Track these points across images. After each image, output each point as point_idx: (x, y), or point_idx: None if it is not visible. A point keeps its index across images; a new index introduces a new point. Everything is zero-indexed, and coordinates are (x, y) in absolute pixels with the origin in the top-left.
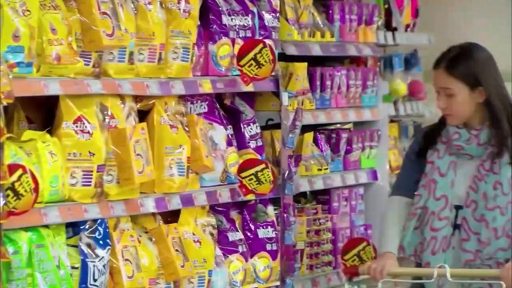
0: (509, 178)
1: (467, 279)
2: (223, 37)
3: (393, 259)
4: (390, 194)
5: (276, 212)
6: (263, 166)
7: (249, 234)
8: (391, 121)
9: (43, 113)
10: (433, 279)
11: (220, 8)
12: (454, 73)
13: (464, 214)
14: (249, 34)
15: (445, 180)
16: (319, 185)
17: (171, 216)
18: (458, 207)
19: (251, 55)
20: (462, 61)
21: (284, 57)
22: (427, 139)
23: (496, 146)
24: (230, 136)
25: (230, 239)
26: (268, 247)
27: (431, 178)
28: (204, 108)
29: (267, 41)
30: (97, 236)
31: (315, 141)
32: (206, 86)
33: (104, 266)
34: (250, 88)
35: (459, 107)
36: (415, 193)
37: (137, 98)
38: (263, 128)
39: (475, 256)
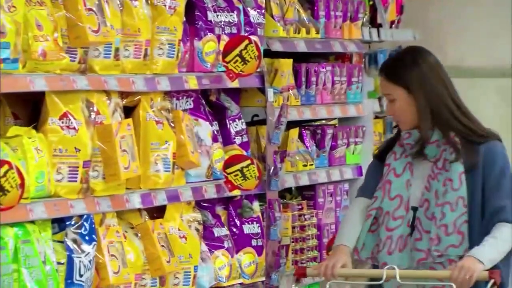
0: (460, 174)
1: (418, 280)
2: (208, 34)
3: (346, 254)
4: (356, 196)
5: (261, 207)
6: (248, 162)
7: (234, 229)
8: (376, 117)
9: (29, 109)
10: (382, 280)
11: (206, 5)
12: (391, 78)
13: (419, 214)
14: (234, 31)
15: (400, 180)
16: (304, 180)
17: (157, 212)
18: (415, 208)
19: (236, 51)
20: (397, 66)
21: (270, 54)
22: (387, 143)
23: (450, 144)
24: (215, 132)
25: (216, 235)
26: (254, 242)
27: (386, 179)
28: (190, 104)
29: (253, 38)
30: (83, 232)
31: (301, 137)
32: (191, 82)
33: (90, 261)
34: (235, 84)
35: (402, 112)
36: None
37: (122, 94)
38: (248, 124)
39: (427, 255)
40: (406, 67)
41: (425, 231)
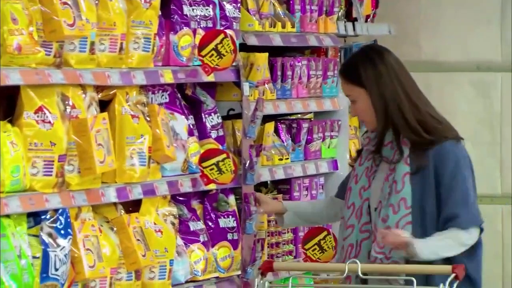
0: (403, 175)
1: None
2: (184, 28)
3: (277, 203)
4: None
5: (237, 201)
6: (224, 156)
7: (210, 223)
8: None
9: (4, 103)
10: (344, 274)
11: None
12: (349, 79)
13: (374, 216)
14: (210, 25)
15: (357, 187)
16: (280, 174)
17: (133, 206)
18: (375, 209)
19: (212, 45)
20: (354, 66)
21: (245, 48)
22: (361, 147)
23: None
24: (191, 126)
25: (192, 229)
26: (229, 236)
27: (349, 186)
28: (166, 98)
29: (228, 32)
30: (59, 226)
31: (276, 131)
32: (167, 76)
33: (65, 255)
34: (211, 78)
35: (363, 113)
36: None
37: (98, 88)
38: (224, 118)
39: (376, 258)
40: (362, 67)
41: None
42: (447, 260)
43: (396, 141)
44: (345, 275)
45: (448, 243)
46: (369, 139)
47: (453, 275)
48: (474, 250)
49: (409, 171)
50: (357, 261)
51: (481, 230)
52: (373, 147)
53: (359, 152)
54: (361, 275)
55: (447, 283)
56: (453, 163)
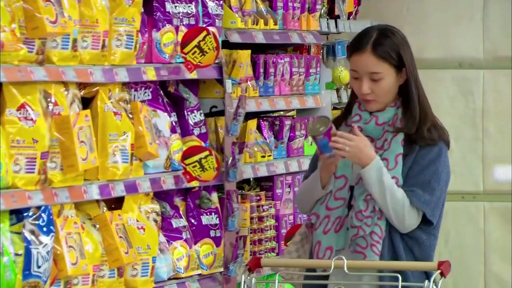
0: (396, 155)
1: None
2: (167, 25)
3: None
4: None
5: (220, 199)
6: (207, 153)
7: (193, 220)
8: (334, 108)
9: None
10: (330, 271)
11: None
12: (382, 55)
13: (355, 192)
14: (192, 22)
15: (345, 160)
16: (262, 172)
17: (115, 203)
18: (352, 188)
19: (195, 42)
20: (387, 43)
21: (228, 45)
22: (334, 123)
23: (394, 126)
24: (174, 123)
25: (174, 226)
26: (212, 233)
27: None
28: (148, 95)
29: (211, 29)
30: (41, 223)
31: (259, 128)
32: (150, 74)
33: (48, 253)
34: (194, 75)
35: (386, 91)
36: None
37: (80, 85)
38: (207, 115)
39: (358, 231)
40: (400, 45)
41: (358, 210)
42: (393, 253)
43: (409, 120)
44: (331, 271)
45: (394, 195)
46: (359, 117)
47: (438, 271)
48: (433, 229)
49: (403, 152)
50: (343, 257)
51: (430, 223)
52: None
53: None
54: (346, 271)
55: (432, 279)
56: (437, 164)
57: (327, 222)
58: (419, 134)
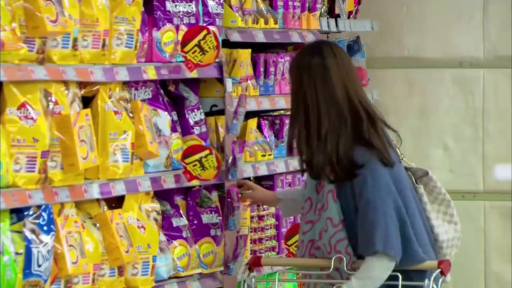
0: (327, 192)
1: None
2: (167, 24)
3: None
4: None
5: (220, 197)
6: (207, 152)
7: (193, 219)
8: None
9: None
10: (330, 270)
11: None
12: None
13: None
14: (193, 21)
15: (311, 181)
16: (263, 170)
17: (116, 202)
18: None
19: (195, 41)
20: (292, 64)
21: (228, 44)
22: None
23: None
24: (174, 122)
25: (175, 225)
26: (212, 232)
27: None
28: (149, 94)
29: (211, 28)
30: (41, 222)
31: (259, 127)
32: (150, 73)
33: (48, 252)
34: (194, 74)
35: None
36: None
37: (81, 84)
38: (207, 114)
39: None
40: (293, 69)
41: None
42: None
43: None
44: (330, 270)
45: (371, 281)
46: None
47: (439, 270)
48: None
49: (334, 188)
50: (343, 256)
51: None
52: None
53: None
54: (346, 270)
55: (432, 278)
56: (363, 195)
57: (302, 247)
58: (327, 176)
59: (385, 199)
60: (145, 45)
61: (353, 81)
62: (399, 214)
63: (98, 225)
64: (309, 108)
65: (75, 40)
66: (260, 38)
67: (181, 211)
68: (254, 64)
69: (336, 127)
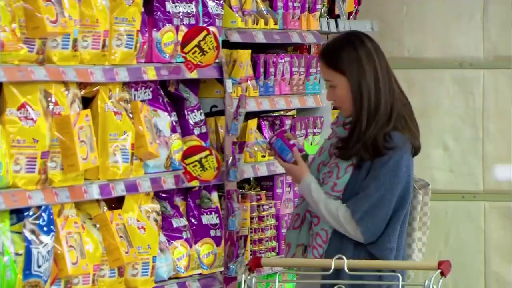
0: (348, 165)
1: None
2: (167, 24)
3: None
4: None
5: (220, 198)
6: (207, 152)
7: (193, 220)
8: (334, 108)
9: None
10: (331, 271)
11: None
12: (329, 63)
13: None
14: (193, 21)
15: (318, 160)
16: (263, 171)
17: (116, 203)
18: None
19: (195, 42)
20: (335, 51)
21: (228, 44)
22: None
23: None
24: (174, 123)
25: (175, 225)
26: (212, 233)
27: (313, 156)
28: (149, 95)
29: (211, 28)
30: (41, 223)
31: (259, 127)
32: (150, 73)
33: (48, 252)
34: (194, 75)
35: (341, 98)
36: None
37: (81, 85)
38: (207, 115)
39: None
40: (344, 55)
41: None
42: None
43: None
44: (331, 271)
45: (328, 207)
46: (337, 118)
47: (439, 271)
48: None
49: (354, 163)
50: (343, 257)
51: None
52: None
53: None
54: (347, 271)
55: (432, 279)
56: (378, 170)
57: (291, 220)
58: (357, 152)
59: (393, 187)
60: (145, 46)
61: (389, 66)
62: (398, 207)
63: (98, 225)
64: (363, 94)
65: (75, 40)
66: (260, 38)
67: (181, 212)
68: (254, 64)
69: (381, 112)
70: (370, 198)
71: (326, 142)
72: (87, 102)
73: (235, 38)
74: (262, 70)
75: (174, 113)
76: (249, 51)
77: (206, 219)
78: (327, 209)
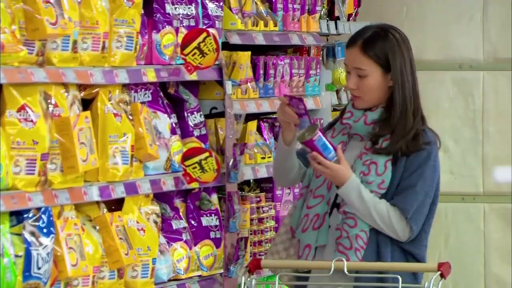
0: (386, 160)
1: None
2: (167, 26)
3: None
4: None
5: (220, 200)
6: (207, 154)
7: (193, 222)
8: (334, 110)
9: None
10: (331, 272)
11: None
12: (369, 53)
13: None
14: (192, 23)
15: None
16: (262, 173)
17: (115, 204)
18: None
19: (194, 44)
20: (378, 42)
21: (228, 46)
22: (333, 121)
23: (380, 128)
24: (174, 125)
25: (174, 227)
26: (212, 235)
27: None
28: (148, 96)
29: (211, 30)
30: (41, 225)
31: (259, 129)
32: (150, 75)
33: (48, 254)
34: (194, 77)
35: (370, 89)
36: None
37: (81, 87)
38: (207, 116)
39: (341, 233)
40: (390, 48)
41: (345, 212)
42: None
43: (385, 123)
44: (331, 272)
45: (377, 208)
46: (351, 113)
47: (438, 272)
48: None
49: (391, 158)
50: (343, 259)
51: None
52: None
53: (331, 125)
54: (347, 272)
55: (432, 280)
56: (423, 167)
57: (306, 221)
58: (399, 147)
59: (433, 183)
60: (145, 48)
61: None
62: (434, 202)
63: (97, 227)
64: (405, 87)
65: (75, 42)
66: (260, 40)
67: (180, 214)
68: (254, 66)
69: (420, 106)
70: (418, 195)
71: (332, 141)
72: (86, 104)
73: (235, 40)
74: (261, 72)
75: (174, 115)
76: (249, 53)
77: (206, 221)
78: (377, 209)
